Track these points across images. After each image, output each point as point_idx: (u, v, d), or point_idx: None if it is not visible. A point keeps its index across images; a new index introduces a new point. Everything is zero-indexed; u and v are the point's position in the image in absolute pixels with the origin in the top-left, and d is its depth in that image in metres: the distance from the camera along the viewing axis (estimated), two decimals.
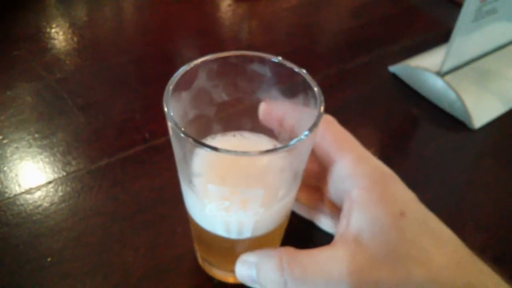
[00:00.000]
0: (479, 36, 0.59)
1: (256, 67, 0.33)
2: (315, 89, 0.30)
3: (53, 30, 0.70)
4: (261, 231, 0.33)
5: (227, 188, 0.29)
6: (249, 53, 0.33)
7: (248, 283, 0.32)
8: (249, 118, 0.36)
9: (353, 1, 0.86)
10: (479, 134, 0.57)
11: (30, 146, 0.50)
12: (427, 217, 0.29)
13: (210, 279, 0.40)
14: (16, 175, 0.47)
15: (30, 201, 0.45)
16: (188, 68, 0.31)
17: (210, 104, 0.35)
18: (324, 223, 0.40)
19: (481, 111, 0.58)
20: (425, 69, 0.61)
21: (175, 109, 0.29)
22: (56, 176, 0.47)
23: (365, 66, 0.68)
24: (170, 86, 0.30)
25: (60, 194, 0.46)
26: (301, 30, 0.77)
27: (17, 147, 0.50)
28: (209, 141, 0.36)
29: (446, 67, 0.59)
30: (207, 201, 0.30)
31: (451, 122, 0.59)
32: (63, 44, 0.68)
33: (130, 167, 0.49)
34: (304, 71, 0.31)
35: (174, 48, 0.71)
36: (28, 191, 0.46)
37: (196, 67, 0.32)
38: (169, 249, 0.42)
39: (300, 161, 0.30)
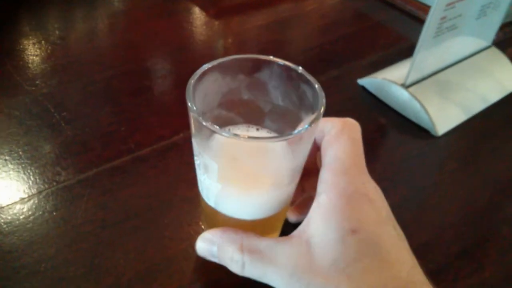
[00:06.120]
0: (440, 50, 0.64)
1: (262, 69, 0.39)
2: (316, 86, 0.35)
3: (36, 46, 0.72)
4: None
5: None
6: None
7: (207, 257, 0.37)
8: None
9: (322, 19, 0.90)
10: (442, 141, 0.62)
11: (20, 158, 0.52)
12: (381, 239, 0.30)
13: (199, 278, 0.43)
14: (7, 185, 0.49)
15: (23, 210, 0.46)
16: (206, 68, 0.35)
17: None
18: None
19: (443, 120, 0.63)
20: (391, 81, 0.65)
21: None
22: (46, 186, 0.49)
23: (335, 80, 0.72)
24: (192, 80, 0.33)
25: (52, 203, 0.47)
26: (274, 46, 0.81)
27: (6, 160, 0.52)
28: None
29: (410, 80, 0.63)
30: None
31: (416, 130, 0.63)
32: (48, 59, 0.69)
33: (118, 176, 0.51)
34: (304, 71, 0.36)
35: (154, 64, 0.74)
36: (21, 201, 0.47)
37: (211, 69, 0.36)
38: (159, 252, 0.44)
39: (300, 152, 0.34)
